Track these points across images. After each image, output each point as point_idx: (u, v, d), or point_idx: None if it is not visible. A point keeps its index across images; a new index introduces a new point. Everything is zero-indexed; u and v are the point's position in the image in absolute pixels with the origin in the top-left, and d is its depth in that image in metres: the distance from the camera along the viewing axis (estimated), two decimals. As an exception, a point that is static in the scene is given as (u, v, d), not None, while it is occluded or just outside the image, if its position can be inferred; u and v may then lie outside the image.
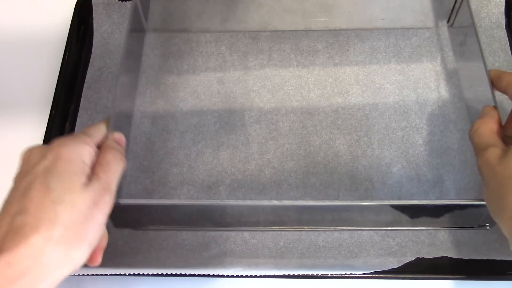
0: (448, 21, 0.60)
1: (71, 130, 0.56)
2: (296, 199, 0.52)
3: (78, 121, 0.57)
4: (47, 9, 0.67)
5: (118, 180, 0.41)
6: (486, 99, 0.49)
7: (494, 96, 0.48)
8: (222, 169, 0.54)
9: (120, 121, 0.53)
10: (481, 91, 0.51)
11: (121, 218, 0.49)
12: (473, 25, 0.54)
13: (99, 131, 0.44)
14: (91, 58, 0.60)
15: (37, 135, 0.55)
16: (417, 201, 0.47)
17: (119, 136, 0.45)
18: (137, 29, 0.58)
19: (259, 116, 0.56)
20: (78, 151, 0.39)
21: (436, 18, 0.60)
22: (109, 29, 0.62)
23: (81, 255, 0.36)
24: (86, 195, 0.37)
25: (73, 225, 0.35)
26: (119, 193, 0.47)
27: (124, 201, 0.45)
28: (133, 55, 0.58)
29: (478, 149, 0.43)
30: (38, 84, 0.61)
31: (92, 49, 0.61)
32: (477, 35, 0.53)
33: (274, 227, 0.50)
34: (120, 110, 0.52)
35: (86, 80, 0.59)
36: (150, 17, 0.60)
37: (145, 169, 0.54)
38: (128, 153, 0.55)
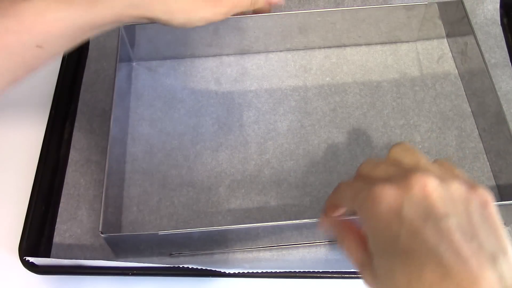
0: (446, 29, 0.61)
1: (71, 131, 0.56)
2: (296, 198, 0.52)
3: (76, 124, 0.56)
4: None
5: None
6: (494, 111, 0.50)
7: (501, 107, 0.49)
8: (221, 170, 0.54)
9: (118, 124, 0.53)
10: (487, 101, 0.51)
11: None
12: (472, 33, 0.54)
13: None
14: (87, 61, 0.60)
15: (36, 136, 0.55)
16: None
17: None
18: (124, 59, 0.57)
19: (257, 116, 0.56)
20: None
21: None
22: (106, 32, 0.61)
23: None
24: None
25: None
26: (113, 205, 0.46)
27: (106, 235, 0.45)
28: (126, 59, 0.58)
29: (357, 267, 0.35)
30: (37, 86, 0.61)
31: (88, 52, 0.61)
32: (478, 45, 0.53)
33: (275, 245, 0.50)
34: (118, 113, 0.52)
35: (83, 83, 0.59)
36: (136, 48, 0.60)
37: (144, 172, 0.54)
38: (126, 155, 0.54)
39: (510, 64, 0.58)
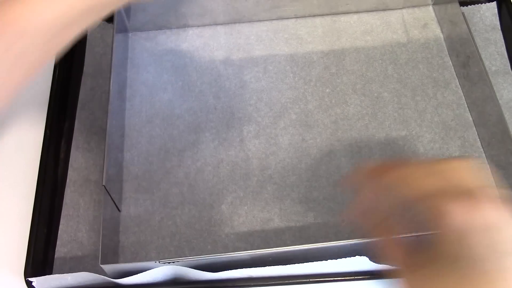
0: (446, 36, 0.60)
1: (66, 150, 0.55)
2: (300, 214, 0.51)
3: (73, 143, 0.55)
4: None
5: None
6: (496, 123, 0.50)
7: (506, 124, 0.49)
8: (223, 187, 0.53)
9: (116, 142, 0.52)
10: (490, 114, 0.51)
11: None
12: (474, 44, 0.54)
13: None
14: (82, 78, 0.59)
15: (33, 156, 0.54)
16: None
17: None
18: (121, 29, 0.57)
19: (257, 131, 0.56)
20: None
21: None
22: (102, 50, 0.60)
23: None
24: None
25: None
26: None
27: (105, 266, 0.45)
28: (122, 67, 0.57)
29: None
30: (30, 103, 0.60)
31: (84, 68, 0.60)
32: (480, 58, 0.53)
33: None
34: (115, 130, 0.51)
35: (79, 101, 0.58)
36: (132, 17, 0.59)
37: (144, 190, 0.53)
38: (126, 174, 0.54)
39: (511, 71, 0.58)
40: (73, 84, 0.59)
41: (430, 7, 0.63)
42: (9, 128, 0.59)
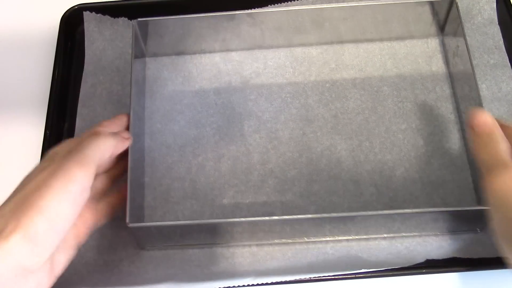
0: (442, 30, 0.60)
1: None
2: (301, 208, 0.51)
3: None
4: (34, 21, 0.66)
5: (97, 155, 0.41)
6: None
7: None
8: (225, 181, 0.53)
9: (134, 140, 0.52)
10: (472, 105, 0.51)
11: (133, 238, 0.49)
12: (463, 36, 0.54)
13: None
14: (83, 75, 0.59)
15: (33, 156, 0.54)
16: (410, 210, 0.47)
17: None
18: (138, 55, 0.57)
19: (258, 126, 0.56)
20: None
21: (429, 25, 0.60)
22: (101, 45, 0.60)
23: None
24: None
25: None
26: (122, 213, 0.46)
27: (133, 224, 0.45)
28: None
29: (496, 166, 0.40)
30: (30, 92, 0.60)
31: (84, 66, 0.60)
32: (467, 48, 0.53)
33: (280, 240, 0.50)
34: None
35: (80, 98, 0.58)
36: (148, 43, 0.59)
37: (146, 186, 0.53)
38: (133, 170, 0.54)
39: (509, 64, 0.58)
40: (73, 84, 0.60)
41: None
42: (9, 128, 0.59)
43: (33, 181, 0.38)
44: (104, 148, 0.43)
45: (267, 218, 0.46)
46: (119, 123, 0.49)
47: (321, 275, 0.47)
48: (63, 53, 0.60)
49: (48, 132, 0.55)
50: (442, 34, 0.60)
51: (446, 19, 0.58)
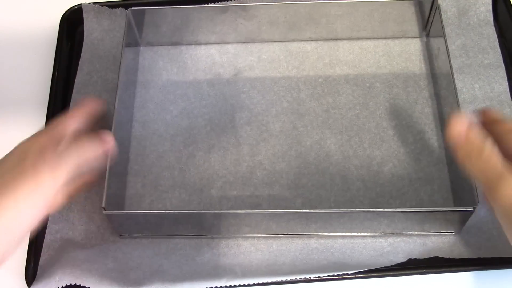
0: (426, 32, 0.60)
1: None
2: (288, 200, 0.52)
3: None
4: (34, 21, 0.66)
5: (74, 164, 0.42)
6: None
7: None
8: (214, 172, 0.53)
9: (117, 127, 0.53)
10: (453, 109, 0.51)
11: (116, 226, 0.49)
12: (443, 37, 0.54)
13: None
14: (79, 62, 0.60)
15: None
16: (392, 208, 0.47)
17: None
18: (131, 44, 0.57)
19: (249, 118, 0.56)
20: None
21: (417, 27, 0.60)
22: (99, 35, 0.61)
23: None
24: None
25: None
26: (108, 201, 0.47)
27: (108, 212, 0.46)
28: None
29: (490, 181, 0.38)
30: (30, 91, 0.61)
31: (82, 54, 0.60)
32: (447, 48, 0.53)
33: (266, 234, 0.50)
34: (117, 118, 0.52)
35: (75, 85, 0.59)
36: (144, 32, 0.60)
37: (136, 173, 0.54)
38: (118, 157, 0.54)
39: (503, 65, 0.58)
40: (72, 84, 0.60)
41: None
42: (9, 128, 0.59)
43: (2, 178, 0.39)
44: (84, 158, 0.43)
45: (253, 210, 0.47)
46: (87, 110, 0.48)
47: (303, 276, 0.47)
48: (63, 53, 0.61)
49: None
50: (427, 36, 0.60)
51: (430, 20, 0.58)
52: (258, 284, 0.47)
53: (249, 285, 0.47)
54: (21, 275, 0.49)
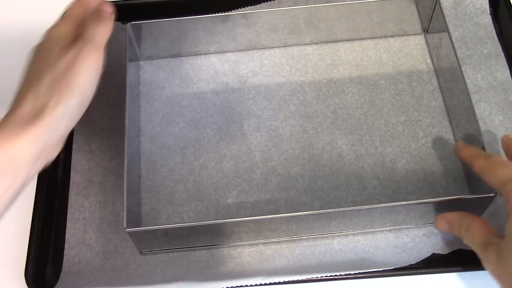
0: (426, 26, 0.60)
1: (65, 151, 0.55)
2: (306, 204, 0.52)
3: (74, 146, 0.55)
4: (34, 21, 0.65)
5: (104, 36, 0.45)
6: (464, 107, 0.51)
7: (472, 107, 0.50)
8: (228, 181, 0.53)
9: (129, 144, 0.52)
10: (460, 100, 0.52)
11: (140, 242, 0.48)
12: (446, 29, 0.54)
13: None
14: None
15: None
16: (413, 201, 0.47)
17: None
18: (132, 58, 0.57)
19: (258, 124, 0.56)
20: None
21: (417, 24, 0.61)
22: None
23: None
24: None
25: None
26: (129, 217, 0.46)
27: (130, 229, 0.46)
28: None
29: (477, 250, 0.43)
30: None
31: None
32: (451, 41, 0.54)
33: (287, 237, 0.50)
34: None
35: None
36: (143, 46, 0.59)
37: (149, 189, 0.53)
38: (128, 173, 0.53)
39: (503, 53, 0.59)
40: None
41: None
42: None
43: (61, 62, 0.41)
44: (107, 33, 0.46)
45: (273, 216, 0.46)
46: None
47: (332, 275, 0.47)
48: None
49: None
50: (427, 30, 0.60)
51: (430, 14, 0.59)
52: (285, 283, 0.47)
53: (277, 283, 0.47)
54: (21, 275, 0.48)
